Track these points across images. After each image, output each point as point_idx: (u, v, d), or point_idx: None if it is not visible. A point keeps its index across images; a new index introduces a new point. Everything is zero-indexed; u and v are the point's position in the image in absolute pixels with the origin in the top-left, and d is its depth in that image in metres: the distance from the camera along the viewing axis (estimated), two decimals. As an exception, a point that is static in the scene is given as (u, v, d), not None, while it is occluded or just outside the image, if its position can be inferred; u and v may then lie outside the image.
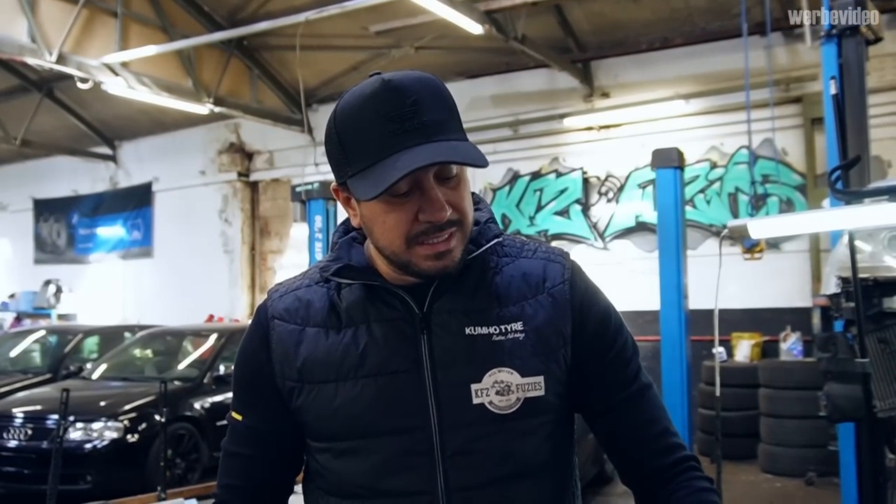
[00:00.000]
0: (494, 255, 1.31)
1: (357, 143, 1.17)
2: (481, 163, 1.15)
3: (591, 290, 1.34)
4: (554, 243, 11.15)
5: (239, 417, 1.37)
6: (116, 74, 9.37)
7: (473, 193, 1.41)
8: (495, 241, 1.30)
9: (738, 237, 4.57)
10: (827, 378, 3.43)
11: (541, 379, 1.25)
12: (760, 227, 3.23)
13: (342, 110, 1.19)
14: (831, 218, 2.98)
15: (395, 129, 1.13)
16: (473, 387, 1.23)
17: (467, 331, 1.25)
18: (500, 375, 1.23)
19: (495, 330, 1.25)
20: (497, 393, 1.23)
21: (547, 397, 1.26)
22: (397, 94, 1.14)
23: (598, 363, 1.31)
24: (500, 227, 1.35)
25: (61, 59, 8.87)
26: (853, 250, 2.78)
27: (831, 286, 3.60)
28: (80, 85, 9.71)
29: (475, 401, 1.23)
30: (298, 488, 1.41)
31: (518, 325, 1.26)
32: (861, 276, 2.99)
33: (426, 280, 1.24)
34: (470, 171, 1.25)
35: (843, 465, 4.72)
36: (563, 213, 10.29)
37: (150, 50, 9.42)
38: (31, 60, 8.97)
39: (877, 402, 3.10)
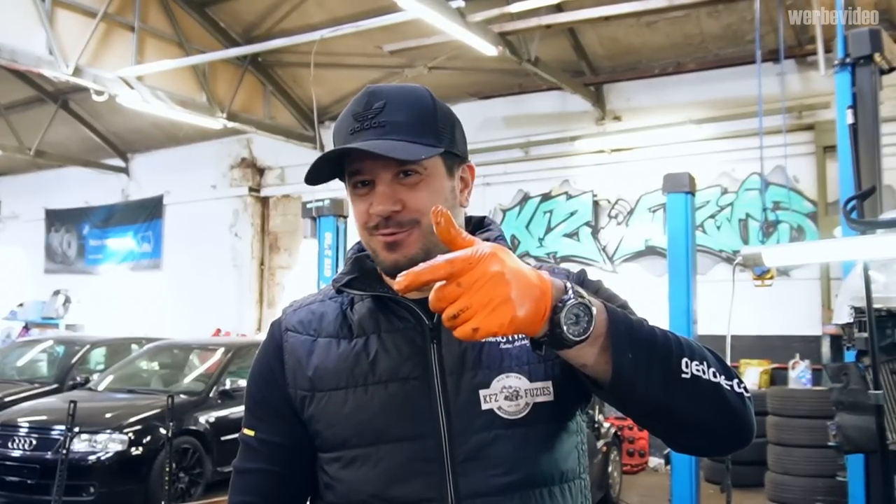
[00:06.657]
0: None
1: (333, 138, 1.31)
2: (402, 156, 1.19)
3: (602, 289, 1.33)
4: (563, 265, 11.30)
5: (251, 433, 1.36)
6: (131, 88, 9.44)
7: (484, 217, 1.44)
8: None
9: (752, 264, 4.56)
10: (839, 408, 3.40)
11: (549, 384, 1.25)
12: (776, 255, 3.22)
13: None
14: (847, 247, 2.97)
15: (355, 127, 1.24)
16: (482, 392, 1.23)
17: None
18: (508, 381, 1.24)
19: (503, 338, 1.25)
20: (506, 398, 1.23)
21: (556, 403, 1.25)
22: (370, 98, 1.25)
23: None
24: (510, 248, 1.35)
25: (77, 72, 8.94)
26: (868, 280, 2.76)
27: (844, 315, 3.57)
28: (95, 97, 9.78)
29: (484, 406, 1.23)
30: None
31: None
32: (874, 306, 2.97)
33: (389, 273, 1.26)
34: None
35: (852, 497, 4.66)
36: (573, 235, 10.28)
37: (166, 64, 9.51)
38: (48, 72, 9.04)
39: (889, 435, 3.08)
